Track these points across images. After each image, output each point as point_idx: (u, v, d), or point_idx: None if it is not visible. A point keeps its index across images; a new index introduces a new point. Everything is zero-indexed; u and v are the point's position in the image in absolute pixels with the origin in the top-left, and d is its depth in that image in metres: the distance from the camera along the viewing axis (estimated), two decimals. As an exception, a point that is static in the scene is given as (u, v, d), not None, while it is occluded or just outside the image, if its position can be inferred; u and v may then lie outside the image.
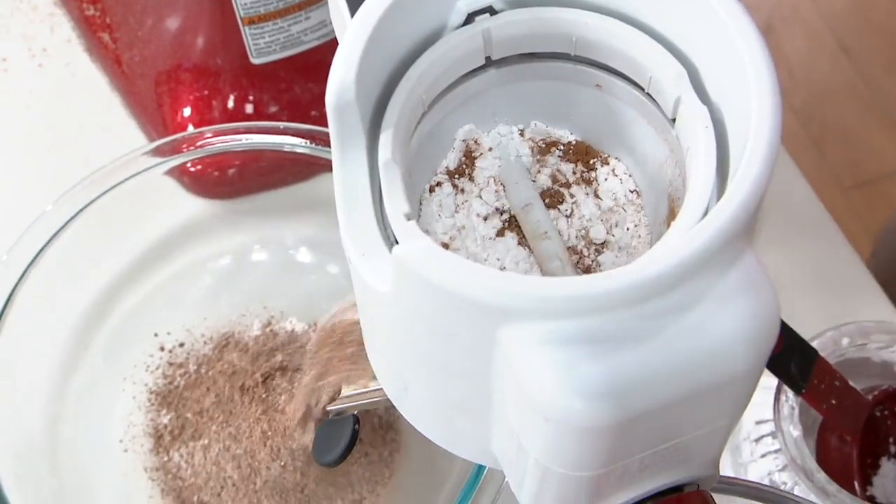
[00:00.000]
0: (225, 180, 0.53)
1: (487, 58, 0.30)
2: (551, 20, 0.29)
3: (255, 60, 0.52)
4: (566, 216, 0.30)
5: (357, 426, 0.41)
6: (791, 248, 0.57)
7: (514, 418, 0.26)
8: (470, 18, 0.29)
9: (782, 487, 0.46)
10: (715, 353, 0.24)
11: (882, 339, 0.46)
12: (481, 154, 0.30)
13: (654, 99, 0.29)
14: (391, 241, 0.27)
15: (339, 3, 0.29)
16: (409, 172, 0.28)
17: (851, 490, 0.44)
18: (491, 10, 0.29)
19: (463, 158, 0.30)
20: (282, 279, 0.53)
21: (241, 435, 0.47)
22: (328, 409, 0.41)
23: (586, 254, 0.29)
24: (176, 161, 0.50)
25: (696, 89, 0.27)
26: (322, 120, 0.54)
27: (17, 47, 0.60)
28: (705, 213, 0.25)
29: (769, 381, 0.40)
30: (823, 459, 0.45)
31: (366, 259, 0.26)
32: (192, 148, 0.50)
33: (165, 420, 0.49)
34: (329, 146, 0.49)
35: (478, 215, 0.29)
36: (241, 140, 0.50)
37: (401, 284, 0.25)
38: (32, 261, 0.47)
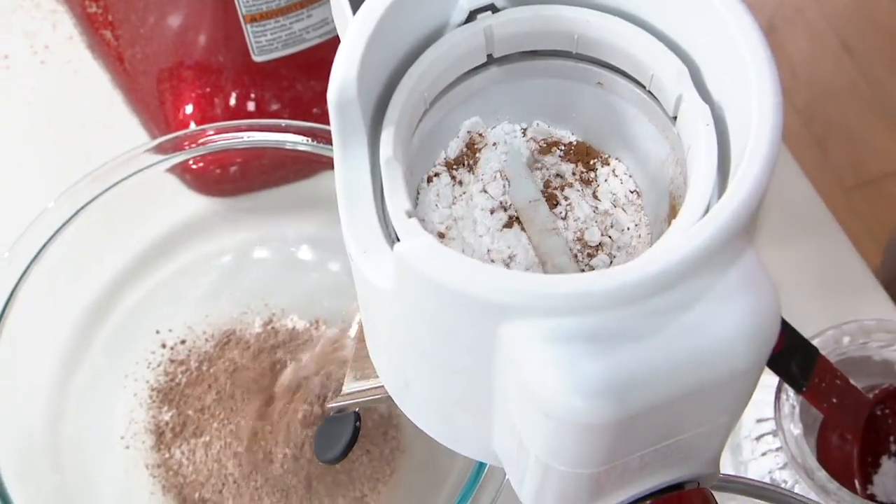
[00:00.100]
0: (227, 178, 0.53)
1: (489, 55, 0.30)
2: (553, 18, 0.29)
3: (256, 58, 0.52)
4: (561, 218, 0.30)
5: (358, 423, 0.41)
6: (792, 247, 0.57)
7: (516, 415, 0.26)
8: (472, 16, 0.29)
9: (783, 486, 0.46)
10: (716, 351, 0.24)
11: (883, 337, 0.46)
12: (485, 145, 0.30)
13: (655, 97, 0.29)
14: (393, 238, 0.27)
15: (341, 1, 0.29)
16: (410, 170, 0.28)
17: (852, 488, 0.44)
18: (493, 8, 0.29)
19: (465, 149, 0.30)
20: (283, 277, 0.53)
21: (243, 432, 0.48)
22: (330, 406, 0.41)
23: (580, 258, 0.29)
24: (178, 158, 0.50)
25: (698, 87, 0.28)
26: (324, 118, 0.54)
27: (19, 44, 0.60)
28: (706, 212, 0.25)
29: (770, 379, 0.40)
30: (824, 458, 0.45)
31: (367, 256, 0.26)
32: (193, 145, 0.50)
33: (167, 417, 0.49)
34: (330, 144, 0.49)
35: (482, 209, 0.29)
36: (242, 138, 0.50)
37: (402, 282, 0.25)
38: (34, 258, 0.47)
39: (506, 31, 0.29)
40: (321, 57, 0.53)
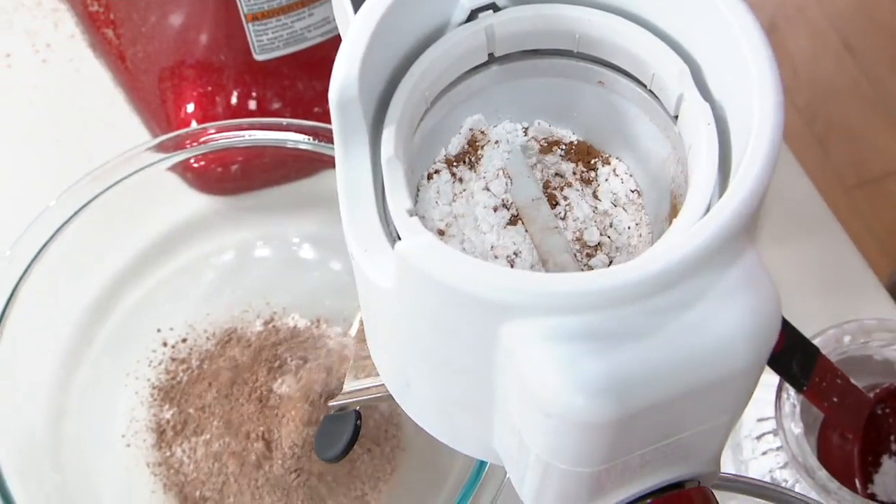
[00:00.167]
0: (228, 176, 0.53)
1: (490, 54, 0.30)
2: (554, 17, 0.29)
3: (258, 57, 0.52)
4: (560, 218, 0.30)
5: (359, 422, 0.41)
6: (793, 247, 0.57)
7: (516, 414, 0.26)
8: (473, 15, 0.29)
9: (783, 485, 0.46)
10: (716, 350, 0.24)
11: (884, 336, 0.46)
12: (487, 143, 0.30)
13: (656, 96, 0.29)
14: (394, 237, 0.27)
15: (342, 0, 0.29)
16: (411, 169, 0.29)
17: (852, 488, 0.44)
18: (494, 7, 0.29)
19: (466, 146, 0.30)
20: (284, 275, 0.53)
21: (243, 430, 0.48)
22: (330, 404, 0.41)
23: (579, 258, 0.29)
24: (179, 157, 0.50)
25: (699, 87, 0.28)
26: (325, 116, 0.54)
27: (20, 43, 0.60)
28: (707, 211, 0.25)
29: (770, 378, 0.40)
30: (825, 457, 0.45)
31: (368, 255, 0.26)
32: (195, 144, 0.50)
33: (168, 415, 0.49)
34: (332, 143, 0.49)
35: (484, 206, 0.29)
36: (244, 136, 0.50)
37: (403, 280, 0.25)
38: (36, 256, 0.47)
39: (507, 30, 0.29)
40: (323, 56, 0.53)
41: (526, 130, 0.31)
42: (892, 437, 0.46)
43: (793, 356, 0.37)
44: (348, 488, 0.47)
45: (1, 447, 0.44)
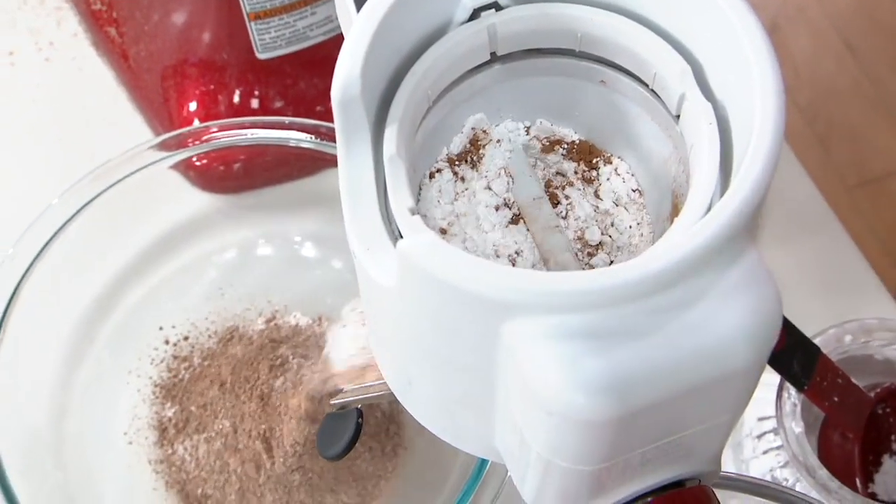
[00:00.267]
0: (230, 175, 0.53)
1: (492, 53, 0.30)
2: (556, 16, 0.29)
3: (260, 55, 0.52)
4: (562, 217, 0.30)
5: (361, 420, 0.41)
6: (795, 246, 0.57)
7: (518, 412, 0.26)
8: (475, 14, 0.29)
9: (784, 484, 0.46)
10: (717, 348, 0.24)
11: (885, 336, 0.46)
12: (489, 142, 0.31)
13: (658, 95, 0.29)
14: (396, 235, 0.27)
15: (345, -1, 0.30)
16: (413, 167, 0.29)
17: (853, 487, 0.44)
18: (496, 6, 0.29)
19: (468, 145, 0.30)
20: (286, 274, 0.53)
21: (245, 428, 0.48)
22: (332, 402, 0.41)
23: (580, 257, 0.29)
24: (181, 155, 0.50)
25: (701, 86, 0.28)
26: (327, 115, 0.54)
27: (23, 41, 0.60)
28: (708, 210, 0.26)
29: (771, 377, 0.40)
30: (825, 456, 0.45)
31: (370, 253, 0.26)
32: (197, 142, 0.50)
33: (170, 413, 0.49)
34: (334, 141, 0.49)
35: (486, 205, 0.30)
36: (246, 135, 0.50)
37: (405, 279, 0.25)
38: (38, 254, 0.47)
39: (509, 30, 0.29)
40: (325, 54, 0.53)
41: (528, 129, 0.31)
42: (893, 437, 0.46)
43: (794, 355, 0.37)
44: (349, 486, 0.47)
45: (3, 444, 0.44)
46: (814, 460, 0.43)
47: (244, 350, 0.50)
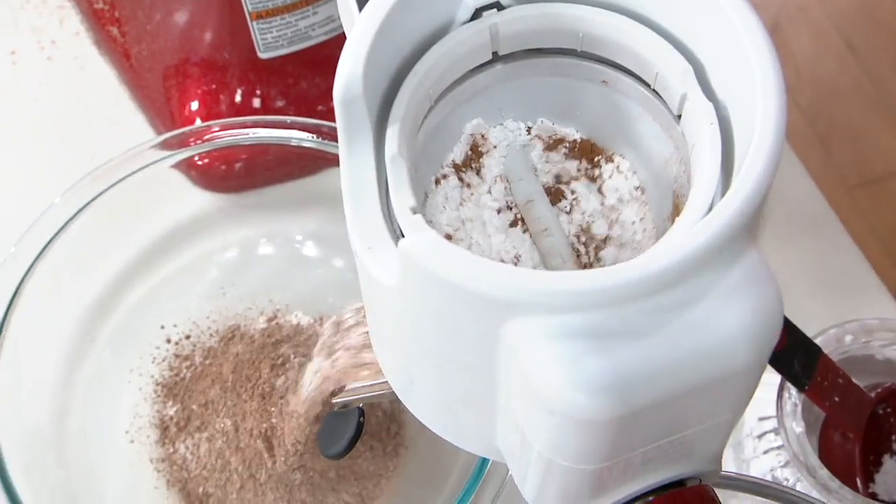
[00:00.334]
0: (232, 174, 0.54)
1: (494, 53, 0.30)
2: (558, 16, 0.29)
3: (262, 55, 0.52)
4: (566, 212, 0.30)
5: (362, 419, 0.42)
6: (795, 246, 0.57)
7: (519, 412, 0.26)
8: (477, 14, 0.29)
9: (784, 484, 0.46)
10: (718, 348, 0.24)
11: (885, 336, 0.46)
12: (488, 151, 0.31)
13: (659, 95, 0.29)
14: (397, 234, 0.27)
15: (347, -1, 0.30)
16: (415, 167, 0.29)
17: (853, 487, 0.44)
18: (498, 6, 0.29)
19: (469, 152, 0.31)
20: (288, 273, 0.53)
21: (246, 427, 0.48)
22: (334, 401, 0.41)
23: (583, 251, 0.29)
24: (183, 155, 0.50)
25: (702, 86, 0.28)
26: (329, 114, 0.54)
27: (26, 40, 0.60)
28: (710, 210, 0.26)
29: (772, 377, 0.40)
30: (826, 456, 0.46)
31: (372, 252, 0.26)
32: (199, 142, 0.50)
33: (171, 412, 0.49)
34: (335, 140, 0.49)
35: (490, 210, 0.30)
36: (248, 134, 0.50)
37: (407, 278, 0.25)
38: (40, 253, 0.47)
39: (511, 29, 0.29)
40: (327, 54, 0.53)
41: (529, 129, 0.31)
42: (894, 437, 0.46)
43: (794, 355, 0.37)
44: (351, 485, 0.48)
45: (6, 443, 0.44)
46: (814, 460, 0.43)
47: (245, 349, 0.50)
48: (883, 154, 1.16)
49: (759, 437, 0.47)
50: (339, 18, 0.50)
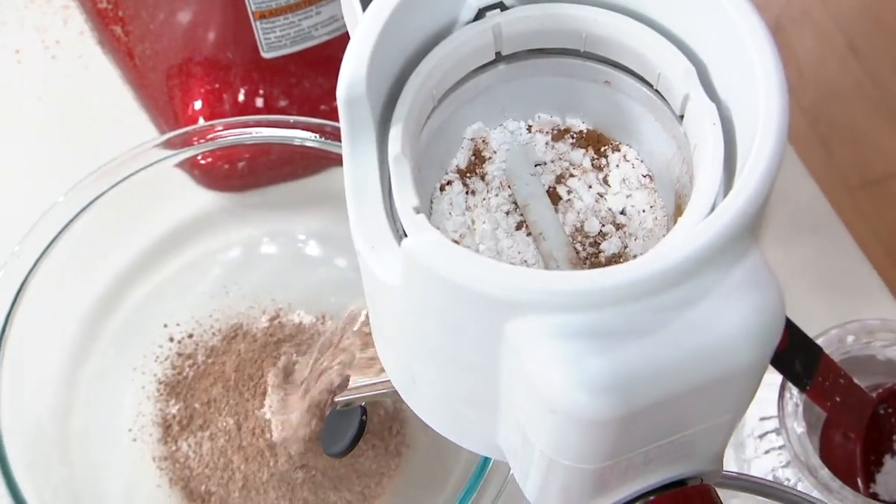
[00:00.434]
0: (235, 173, 0.54)
1: (497, 53, 0.30)
2: (561, 16, 0.29)
3: (265, 55, 0.52)
4: (562, 213, 0.30)
5: (364, 417, 0.42)
6: (797, 247, 0.57)
7: (521, 411, 0.26)
8: (480, 14, 0.29)
9: (785, 484, 0.46)
10: (720, 348, 0.24)
11: (887, 337, 0.46)
12: (490, 157, 0.31)
13: (662, 96, 0.29)
14: (400, 234, 0.27)
15: (351, -1, 0.30)
16: (418, 167, 0.29)
17: (854, 487, 0.44)
18: (501, 6, 0.29)
19: (472, 157, 0.31)
20: (290, 272, 0.53)
21: (249, 425, 0.48)
22: (336, 400, 0.42)
23: (583, 249, 0.29)
24: (186, 154, 0.50)
25: (705, 86, 0.28)
26: (331, 114, 0.54)
27: (30, 39, 0.61)
28: (712, 210, 0.26)
29: (773, 377, 0.40)
30: (827, 456, 0.46)
31: (375, 252, 0.26)
32: (202, 141, 0.50)
33: (174, 410, 0.49)
34: (338, 140, 0.49)
35: (494, 213, 0.30)
36: (251, 133, 0.50)
37: (410, 277, 0.26)
38: (43, 252, 0.47)
39: (514, 29, 0.29)
40: (330, 54, 0.53)
41: (529, 128, 0.31)
42: (895, 437, 0.46)
43: (796, 355, 0.37)
44: (353, 484, 0.48)
45: (9, 441, 0.44)
46: (815, 460, 0.43)
47: (248, 348, 0.50)
48: (884, 155, 1.15)
49: (761, 437, 0.47)
50: (342, 18, 0.50)
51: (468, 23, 0.29)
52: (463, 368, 0.27)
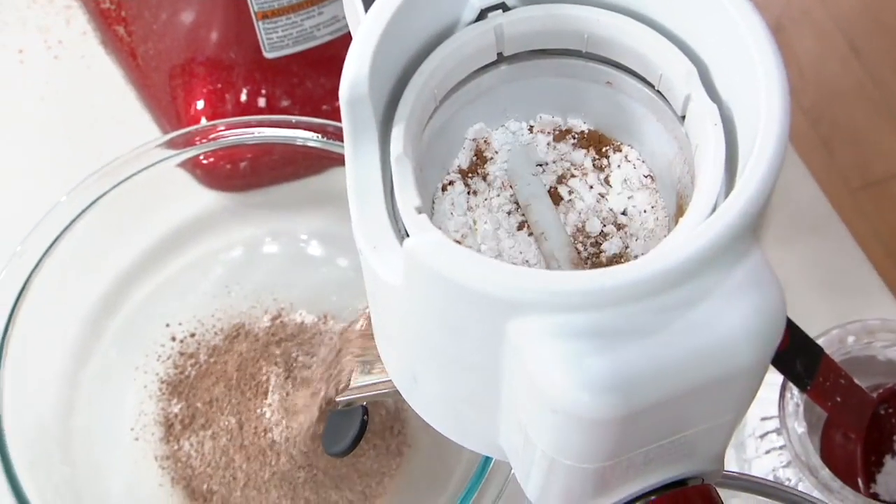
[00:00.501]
0: (237, 173, 0.54)
1: (499, 54, 0.30)
2: (563, 17, 0.29)
3: (268, 55, 0.52)
4: (563, 213, 0.30)
5: (366, 417, 0.42)
6: (798, 247, 0.57)
7: (523, 410, 0.26)
8: (482, 14, 0.29)
9: (786, 484, 0.46)
10: (721, 348, 0.25)
11: (887, 337, 0.46)
12: (492, 158, 0.31)
13: (664, 96, 0.29)
14: (402, 234, 0.27)
15: (353, -1, 0.30)
16: (420, 167, 0.29)
17: (855, 487, 0.44)
18: (503, 7, 0.29)
19: (474, 158, 0.31)
20: (292, 272, 0.53)
21: (251, 425, 0.48)
22: (337, 399, 0.42)
23: (584, 248, 0.30)
24: (189, 154, 0.50)
25: (706, 87, 0.28)
26: (333, 114, 0.54)
27: (33, 39, 0.61)
28: (713, 210, 0.26)
29: (774, 377, 0.40)
30: (828, 456, 0.46)
31: (377, 252, 0.27)
32: (204, 141, 0.50)
33: (176, 409, 0.49)
34: (340, 140, 0.49)
35: (496, 214, 0.30)
36: (253, 133, 0.50)
37: (411, 277, 0.26)
38: (46, 251, 0.47)
39: (516, 30, 0.29)
40: (332, 54, 0.53)
41: (531, 128, 0.31)
42: (895, 437, 0.46)
43: (797, 356, 0.38)
44: (354, 483, 0.48)
45: (11, 440, 0.44)
46: (816, 460, 0.43)
47: (250, 347, 0.50)
48: (886, 156, 1.15)
49: (762, 437, 0.47)
50: (344, 18, 0.50)
51: (470, 23, 0.29)
52: (464, 368, 0.27)
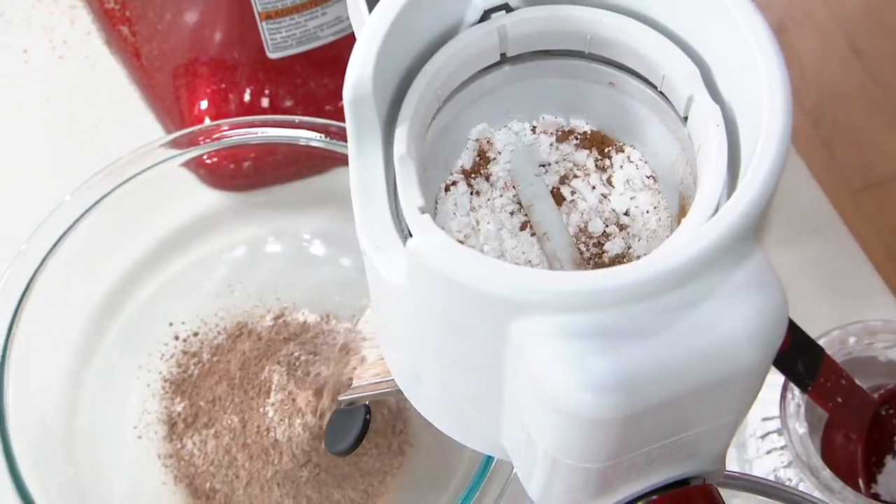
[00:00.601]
0: (240, 173, 0.54)
1: (502, 54, 0.30)
2: (566, 18, 0.29)
3: (271, 55, 0.53)
4: (565, 214, 0.30)
5: (368, 416, 0.42)
6: (800, 248, 0.57)
7: (525, 410, 0.26)
8: (486, 15, 0.29)
9: (787, 484, 0.46)
10: (723, 349, 0.25)
11: (888, 338, 0.46)
12: (495, 158, 0.31)
13: (666, 97, 0.29)
14: (406, 234, 0.27)
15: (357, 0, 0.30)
16: (423, 167, 0.29)
17: (856, 487, 0.44)
18: (507, 8, 0.29)
19: (477, 158, 0.31)
20: (295, 271, 0.53)
21: (253, 423, 0.48)
22: (340, 398, 0.42)
23: (587, 249, 0.30)
24: (192, 153, 0.50)
25: (709, 88, 0.28)
26: (337, 114, 0.54)
27: (37, 39, 0.61)
28: (716, 211, 0.26)
29: (776, 378, 0.40)
30: (829, 457, 0.46)
31: (380, 252, 0.27)
32: (208, 140, 0.50)
33: (179, 408, 0.49)
34: (343, 140, 0.49)
35: (499, 214, 0.30)
36: (256, 133, 0.50)
37: (415, 277, 0.26)
38: (50, 250, 0.47)
39: (519, 31, 0.29)
40: (335, 54, 0.53)
41: (534, 129, 0.31)
42: (896, 438, 0.47)
43: (798, 356, 0.38)
44: (356, 482, 0.48)
45: (15, 439, 0.44)
46: (817, 461, 0.43)
47: (253, 346, 0.50)
48: (887, 157, 1.15)
49: (763, 437, 0.47)
50: (347, 19, 0.50)
51: (474, 24, 0.29)
52: (467, 368, 0.27)
